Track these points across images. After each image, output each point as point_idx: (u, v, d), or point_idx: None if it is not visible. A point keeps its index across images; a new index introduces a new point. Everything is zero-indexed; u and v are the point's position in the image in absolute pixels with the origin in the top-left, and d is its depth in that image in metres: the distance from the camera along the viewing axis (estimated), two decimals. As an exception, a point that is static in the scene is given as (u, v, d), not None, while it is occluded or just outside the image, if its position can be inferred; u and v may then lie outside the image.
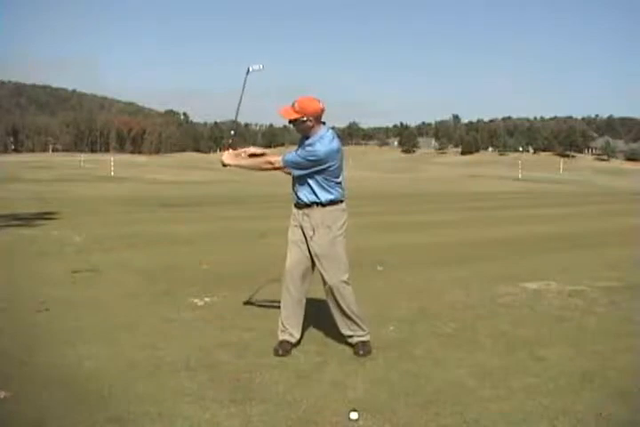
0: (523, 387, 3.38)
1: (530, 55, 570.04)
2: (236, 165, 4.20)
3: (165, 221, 13.13)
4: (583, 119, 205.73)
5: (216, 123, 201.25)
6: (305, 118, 3.81)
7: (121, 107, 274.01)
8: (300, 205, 3.98)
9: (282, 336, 4.00)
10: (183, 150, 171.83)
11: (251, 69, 4.23)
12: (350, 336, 4.01)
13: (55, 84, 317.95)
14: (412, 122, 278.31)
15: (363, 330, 3.99)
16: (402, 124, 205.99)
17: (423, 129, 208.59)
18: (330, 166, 3.85)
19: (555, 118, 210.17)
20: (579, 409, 3.07)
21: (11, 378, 3.39)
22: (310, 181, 3.89)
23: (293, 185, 4.02)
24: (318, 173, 3.85)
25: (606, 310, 5.26)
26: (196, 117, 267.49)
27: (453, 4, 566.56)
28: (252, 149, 4.27)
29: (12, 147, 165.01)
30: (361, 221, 11.27)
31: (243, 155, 4.20)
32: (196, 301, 5.38)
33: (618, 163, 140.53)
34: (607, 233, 11.96)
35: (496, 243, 10.10)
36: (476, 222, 13.98)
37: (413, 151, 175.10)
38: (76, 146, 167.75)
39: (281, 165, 3.95)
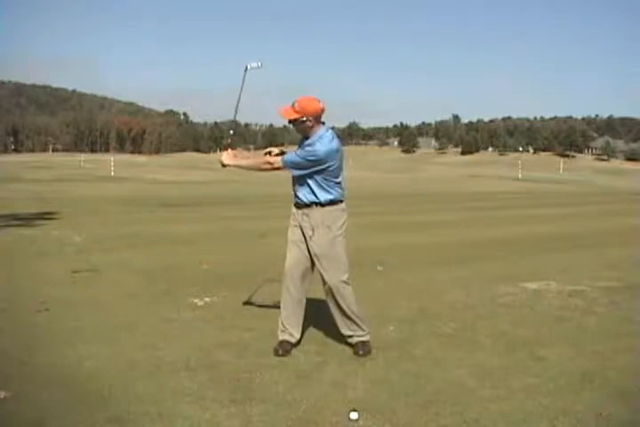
0: (523, 387, 3.38)
1: (530, 55, 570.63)
2: (236, 166, 4.21)
3: (165, 221, 13.13)
4: (583, 119, 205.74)
5: (216, 123, 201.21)
6: (305, 118, 3.81)
7: (121, 107, 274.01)
8: (300, 204, 3.98)
9: (282, 336, 4.00)
10: (183, 150, 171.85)
11: (249, 67, 4.23)
12: (350, 336, 4.01)
13: (55, 84, 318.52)
14: (412, 122, 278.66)
15: (362, 330, 3.99)
16: (402, 124, 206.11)
17: (423, 129, 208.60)
18: (329, 166, 3.85)
19: (555, 118, 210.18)
20: (579, 409, 3.07)
21: (11, 378, 3.39)
22: (310, 181, 3.89)
23: (293, 185, 4.02)
24: (318, 173, 3.85)
25: (606, 310, 5.26)
26: (196, 117, 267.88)
27: (453, 4, 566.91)
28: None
29: (12, 147, 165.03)
30: (361, 221, 11.28)
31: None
32: (195, 301, 5.38)
33: (618, 163, 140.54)
34: (607, 233, 11.96)
35: (496, 243, 10.10)
36: (476, 222, 13.98)
37: (413, 151, 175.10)
38: (75, 146, 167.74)
39: (280, 165, 3.95)
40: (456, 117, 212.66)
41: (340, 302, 3.92)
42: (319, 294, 4.17)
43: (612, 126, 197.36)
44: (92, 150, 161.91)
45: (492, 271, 7.22)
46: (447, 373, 3.60)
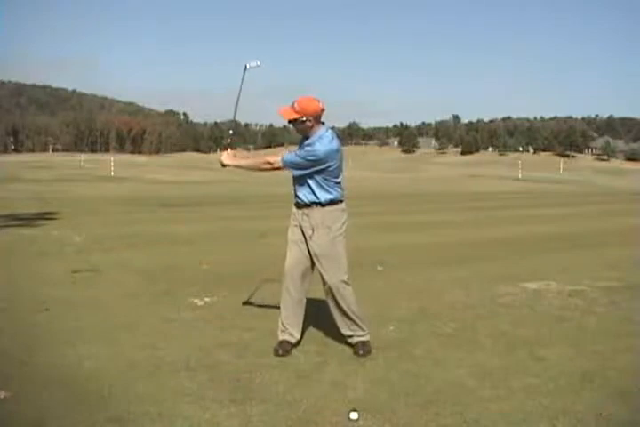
0: (523, 387, 3.38)
1: (530, 55, 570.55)
2: (236, 166, 4.21)
3: (165, 221, 13.13)
4: (583, 119, 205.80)
5: (216, 123, 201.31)
6: (304, 118, 3.81)
7: (121, 107, 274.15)
8: (300, 204, 3.98)
9: (282, 336, 4.00)
10: (183, 150, 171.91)
11: (248, 66, 4.23)
12: (350, 336, 4.01)
13: (55, 84, 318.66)
14: (412, 122, 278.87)
15: (362, 330, 3.99)
16: (402, 124, 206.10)
17: (423, 129, 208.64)
18: (329, 166, 3.85)
19: (555, 118, 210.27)
20: (579, 409, 3.07)
21: (11, 378, 3.39)
22: (310, 181, 3.89)
23: (293, 185, 4.02)
24: (318, 173, 3.85)
25: (606, 310, 5.26)
26: (196, 117, 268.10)
27: (453, 4, 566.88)
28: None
29: (12, 147, 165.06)
30: (361, 221, 11.27)
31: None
32: (195, 301, 5.38)
33: (618, 163, 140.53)
34: (607, 233, 11.96)
35: (496, 243, 10.10)
36: (476, 222, 13.98)
37: (413, 151, 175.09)
38: (76, 146, 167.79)
39: (280, 165, 3.95)
40: (456, 117, 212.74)
41: (340, 302, 3.92)
42: (319, 294, 4.17)
43: (612, 126, 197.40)
44: (92, 150, 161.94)
45: (492, 271, 7.22)
46: (447, 373, 3.60)
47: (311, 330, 4.37)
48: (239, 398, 3.17)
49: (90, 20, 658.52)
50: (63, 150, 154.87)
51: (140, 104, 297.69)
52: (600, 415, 3.00)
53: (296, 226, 4.01)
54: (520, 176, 62.47)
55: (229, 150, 4.21)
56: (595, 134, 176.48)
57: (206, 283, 6.17)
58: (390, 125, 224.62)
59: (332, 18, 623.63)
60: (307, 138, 3.90)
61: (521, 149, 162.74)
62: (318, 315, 4.43)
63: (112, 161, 47.84)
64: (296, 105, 3.82)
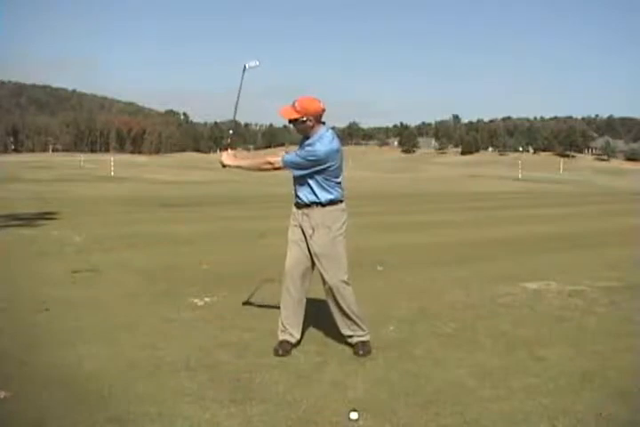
0: (523, 387, 3.38)
1: (530, 55, 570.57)
2: (236, 166, 4.21)
3: (165, 221, 13.13)
4: (583, 119, 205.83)
5: (216, 123, 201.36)
6: (305, 118, 3.81)
7: (121, 107, 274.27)
8: (300, 204, 3.98)
9: (282, 336, 4.00)
10: (183, 150, 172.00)
11: (247, 66, 4.23)
12: (350, 336, 4.01)
13: (55, 84, 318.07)
14: (412, 122, 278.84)
15: (363, 330, 3.99)
16: (402, 124, 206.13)
17: (423, 129, 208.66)
18: (330, 166, 3.85)
19: (555, 118, 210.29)
20: (579, 409, 3.07)
21: (11, 378, 3.39)
22: (310, 181, 3.89)
23: (294, 185, 4.02)
24: (318, 173, 3.85)
25: (606, 310, 5.26)
26: (196, 117, 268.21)
27: (453, 3, 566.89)
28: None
29: (12, 147, 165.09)
30: (361, 221, 11.27)
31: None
32: (195, 301, 5.38)
33: (618, 163, 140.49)
34: (607, 233, 11.95)
35: (496, 243, 10.10)
36: (476, 222, 13.98)
37: (413, 151, 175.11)
38: (75, 146, 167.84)
39: (281, 165, 3.95)
40: (456, 117, 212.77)
41: (341, 301, 3.92)
42: (319, 294, 4.17)
43: (612, 126, 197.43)
44: (92, 150, 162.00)
45: (492, 271, 7.22)
46: (447, 373, 3.60)
47: (311, 330, 4.37)
48: (239, 398, 3.17)
49: (90, 20, 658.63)
50: (63, 150, 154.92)
51: (140, 104, 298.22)
52: (600, 415, 3.00)
53: (296, 226, 4.01)
54: (520, 176, 62.46)
55: (229, 150, 4.21)
56: (595, 134, 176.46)
57: (206, 283, 6.17)
58: (390, 125, 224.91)
59: (332, 18, 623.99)
60: (307, 138, 3.90)
61: (521, 149, 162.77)
62: (318, 315, 4.43)
63: (112, 161, 47.83)
64: (297, 105, 3.82)
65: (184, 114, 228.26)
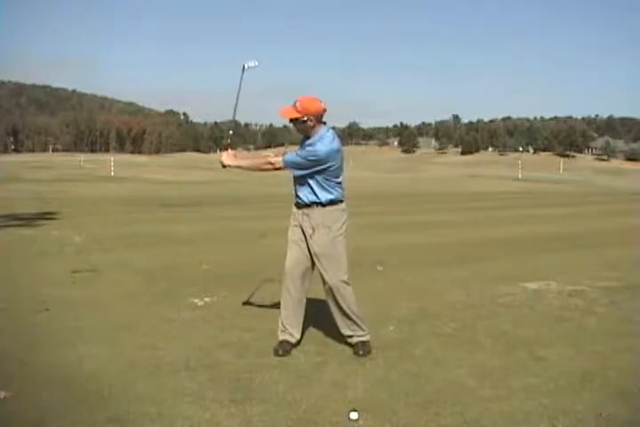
0: (523, 387, 3.38)
1: (530, 55, 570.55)
2: (236, 166, 4.20)
3: (165, 221, 13.13)
4: (583, 119, 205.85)
5: (216, 123, 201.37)
6: (306, 118, 3.81)
7: (121, 107, 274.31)
8: (300, 204, 3.98)
9: (282, 336, 4.00)
10: (183, 150, 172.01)
11: (246, 67, 4.23)
12: (350, 336, 4.01)
13: (55, 84, 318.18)
14: (412, 122, 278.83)
15: (363, 330, 3.99)
16: (402, 124, 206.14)
17: (423, 129, 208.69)
18: (330, 166, 3.85)
19: (555, 118, 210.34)
20: (579, 409, 3.07)
21: (11, 378, 3.39)
22: (310, 181, 3.89)
23: (294, 185, 4.02)
24: (319, 173, 3.85)
25: (606, 310, 5.26)
26: (196, 117, 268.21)
27: (453, 3, 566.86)
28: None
29: (12, 147, 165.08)
30: (361, 221, 11.27)
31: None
32: (195, 301, 5.38)
33: (618, 163, 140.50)
34: (607, 233, 11.95)
35: (496, 243, 10.10)
36: (476, 222, 13.98)
37: (413, 151, 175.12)
38: (75, 146, 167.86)
39: (281, 165, 3.95)
40: (456, 117, 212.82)
41: (341, 301, 3.92)
42: (319, 294, 4.17)
43: (612, 126, 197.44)
44: (92, 150, 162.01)
45: (492, 271, 7.22)
46: (447, 373, 3.60)
47: (311, 330, 4.37)
48: (239, 398, 3.17)
49: (90, 20, 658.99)
50: (63, 150, 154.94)
51: (140, 104, 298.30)
52: (600, 415, 3.00)
53: (296, 226, 4.01)
54: (520, 176, 62.45)
55: (230, 151, 4.21)
56: (595, 134, 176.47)
57: (206, 283, 6.17)
58: (390, 125, 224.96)
59: (332, 18, 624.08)
60: (308, 138, 3.90)
61: (521, 149, 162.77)
62: (318, 315, 4.43)
63: (112, 161, 47.82)
64: (298, 105, 3.81)
65: (184, 114, 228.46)
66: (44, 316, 4.78)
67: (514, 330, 4.58)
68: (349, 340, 4.02)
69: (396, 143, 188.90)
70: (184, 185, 33.63)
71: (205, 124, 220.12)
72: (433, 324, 4.71)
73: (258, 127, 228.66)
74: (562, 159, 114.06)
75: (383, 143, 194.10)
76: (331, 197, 3.92)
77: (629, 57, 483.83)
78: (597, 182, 62.55)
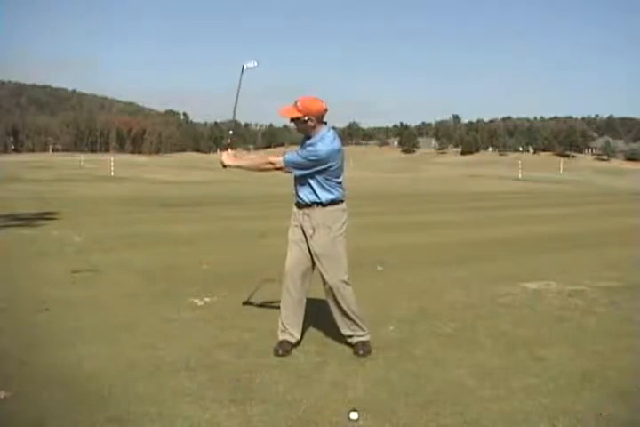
0: (523, 387, 3.38)
1: (530, 55, 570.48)
2: (237, 166, 4.20)
3: (165, 221, 13.13)
4: (583, 119, 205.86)
5: (216, 123, 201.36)
6: (307, 118, 3.81)
7: (121, 107, 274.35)
8: (301, 204, 3.98)
9: (282, 336, 4.00)
10: (183, 150, 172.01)
11: (245, 67, 4.23)
12: (350, 336, 4.01)
13: (55, 84, 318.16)
14: (412, 122, 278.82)
15: (363, 330, 3.99)
16: (402, 124, 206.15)
17: (423, 129, 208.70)
18: (331, 166, 3.85)
19: (555, 118, 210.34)
20: (579, 409, 3.07)
21: (11, 378, 3.39)
22: (311, 181, 3.89)
23: (295, 185, 4.02)
24: (319, 172, 3.85)
25: (606, 310, 5.26)
26: (196, 117, 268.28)
27: (453, 3, 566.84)
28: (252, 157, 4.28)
29: (12, 147, 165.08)
30: (361, 221, 11.27)
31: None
32: (195, 301, 5.38)
33: (618, 163, 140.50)
34: (607, 233, 11.95)
35: (496, 243, 10.10)
36: (476, 222, 13.98)
37: (413, 151, 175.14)
38: (75, 146, 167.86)
39: (282, 165, 3.94)
40: (456, 117, 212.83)
41: (341, 301, 3.92)
42: (319, 294, 4.17)
43: (612, 126, 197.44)
44: (92, 150, 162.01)
45: (492, 271, 7.22)
46: (447, 373, 3.60)
47: (311, 330, 4.37)
48: (239, 398, 3.17)
49: (90, 20, 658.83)
50: (63, 150, 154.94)
51: (140, 104, 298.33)
52: (600, 415, 3.00)
53: (297, 226, 4.01)
54: (520, 176, 62.45)
55: (230, 151, 4.21)
56: (595, 134, 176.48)
57: (206, 283, 6.17)
58: (390, 125, 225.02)
59: (332, 18, 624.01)
60: (308, 138, 3.90)
61: (521, 149, 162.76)
62: (318, 315, 4.43)
63: (112, 161, 47.82)
64: (299, 104, 3.81)
65: (184, 114, 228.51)
66: (44, 316, 4.78)
67: (514, 330, 4.58)
68: (349, 340, 4.02)
69: (395, 143, 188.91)
70: (184, 185, 33.63)
71: (205, 124, 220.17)
72: (433, 324, 4.71)
73: (258, 127, 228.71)
74: (562, 159, 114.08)
75: (383, 143, 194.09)
76: (331, 197, 3.92)
77: (629, 57, 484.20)
78: (597, 182, 62.55)
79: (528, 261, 8.15)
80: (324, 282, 3.94)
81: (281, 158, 3.96)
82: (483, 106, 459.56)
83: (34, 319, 4.68)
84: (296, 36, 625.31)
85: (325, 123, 3.91)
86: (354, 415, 2.93)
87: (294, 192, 4.04)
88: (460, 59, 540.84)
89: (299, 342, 4.05)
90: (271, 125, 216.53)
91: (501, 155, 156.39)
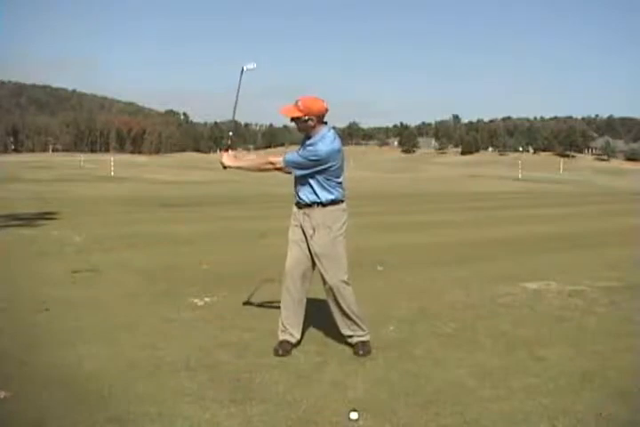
0: (523, 387, 3.38)
1: (530, 55, 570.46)
2: (237, 167, 4.20)
3: (165, 221, 13.13)
4: (583, 119, 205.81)
5: (216, 123, 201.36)
6: (307, 118, 3.81)
7: (121, 107, 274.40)
8: (301, 204, 3.98)
9: (282, 336, 4.00)
10: (183, 150, 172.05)
11: (245, 69, 4.23)
12: (350, 336, 4.01)
13: (55, 84, 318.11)
14: (412, 122, 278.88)
15: (363, 330, 3.99)
16: (402, 124, 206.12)
17: (423, 129, 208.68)
18: (331, 166, 3.85)
19: (555, 118, 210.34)
20: (579, 409, 3.07)
21: (11, 378, 3.39)
22: (311, 181, 3.89)
23: (295, 185, 4.02)
24: (319, 172, 3.85)
25: (606, 310, 5.26)
26: (196, 117, 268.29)
27: (453, 3, 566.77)
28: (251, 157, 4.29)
29: (12, 147, 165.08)
30: (361, 221, 11.27)
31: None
32: (195, 301, 5.38)
33: (618, 163, 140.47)
34: (607, 233, 11.95)
35: (496, 243, 10.10)
36: (476, 222, 13.98)
37: (413, 151, 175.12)
38: (75, 146, 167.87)
39: (282, 165, 3.95)
40: (456, 117, 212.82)
41: (341, 301, 3.92)
42: (319, 294, 4.17)
43: (612, 126, 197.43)
44: (92, 150, 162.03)
45: (492, 271, 7.22)
46: (447, 373, 3.60)
47: (311, 330, 4.37)
48: (239, 398, 3.17)
49: (90, 20, 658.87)
50: (63, 150, 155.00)
51: (140, 104, 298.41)
52: (600, 415, 3.00)
53: (297, 226, 4.01)
54: (520, 176, 62.44)
55: (230, 151, 4.21)
56: (595, 134, 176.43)
57: (206, 283, 6.17)
58: (390, 125, 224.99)
59: (332, 18, 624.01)
60: (309, 138, 3.90)
61: (521, 149, 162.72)
62: (318, 315, 4.43)
63: (112, 161, 47.81)
64: (300, 104, 3.81)
65: (184, 114, 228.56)
66: (44, 316, 4.78)
67: (514, 330, 4.58)
68: (349, 340, 4.02)
69: (395, 143, 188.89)
70: (184, 185, 33.63)
71: (205, 124, 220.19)
72: (433, 324, 4.71)
73: (258, 127, 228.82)
74: (562, 159, 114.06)
75: (383, 143, 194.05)
76: (331, 197, 3.92)
77: (629, 57, 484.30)
78: (597, 182, 62.55)
79: (528, 261, 8.15)
80: (324, 282, 3.94)
81: (281, 158, 3.96)
82: (483, 106, 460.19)
83: (34, 319, 4.68)
84: (296, 36, 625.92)
85: (326, 123, 3.92)
86: (354, 415, 2.93)
87: (294, 192, 4.04)
88: (460, 59, 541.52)
89: (299, 342, 4.05)
90: (271, 125, 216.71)
91: (501, 155, 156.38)
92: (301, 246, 3.97)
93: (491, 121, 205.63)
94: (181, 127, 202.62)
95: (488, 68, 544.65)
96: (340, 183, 3.98)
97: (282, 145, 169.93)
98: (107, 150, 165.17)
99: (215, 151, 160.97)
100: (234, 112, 4.32)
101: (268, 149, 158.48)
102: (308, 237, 3.93)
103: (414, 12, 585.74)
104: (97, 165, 61.03)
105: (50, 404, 3.04)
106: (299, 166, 3.86)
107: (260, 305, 5.12)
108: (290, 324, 3.99)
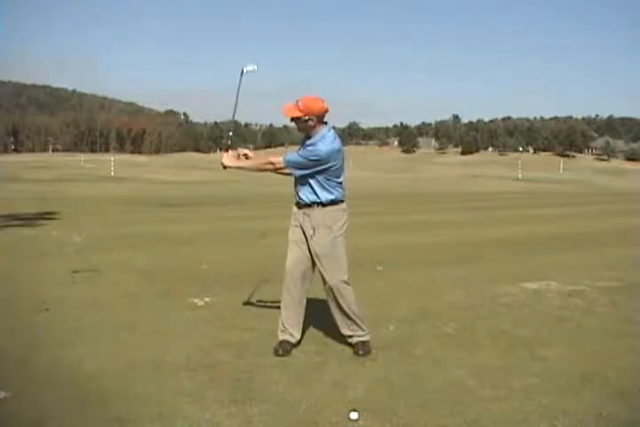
0: (523, 387, 3.37)
1: (530, 55, 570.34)
2: (237, 167, 4.20)
3: (165, 221, 13.13)
4: (583, 119, 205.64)
5: (216, 123, 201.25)
6: (307, 117, 3.81)
7: (121, 107, 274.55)
8: (301, 204, 3.98)
9: (282, 336, 4.00)
10: (183, 150, 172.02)
11: (245, 71, 4.23)
12: (350, 336, 4.01)
13: (55, 84, 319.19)
14: (412, 122, 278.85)
15: (363, 330, 3.99)
16: (402, 124, 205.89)
17: (423, 129, 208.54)
18: (331, 166, 3.85)
19: (555, 118, 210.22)
20: (579, 409, 3.07)
21: (11, 378, 3.39)
22: (311, 181, 3.89)
23: (295, 185, 4.02)
24: (320, 172, 3.85)
25: (606, 310, 5.26)
26: (196, 117, 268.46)
27: (453, 4, 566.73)
28: (250, 154, 4.27)
29: (12, 147, 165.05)
30: (361, 221, 11.27)
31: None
32: (196, 301, 5.38)
33: (618, 163, 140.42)
34: (607, 233, 11.95)
35: (496, 243, 10.10)
36: (476, 222, 13.98)
37: (413, 151, 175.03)
38: (75, 146, 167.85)
39: (282, 165, 3.94)
40: (456, 117, 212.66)
41: (341, 301, 3.92)
42: (319, 294, 4.17)
43: (612, 126, 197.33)
44: (92, 150, 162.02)
45: (492, 271, 7.22)
46: (447, 373, 3.60)
47: (311, 330, 4.37)
48: (239, 398, 3.17)
49: (90, 20, 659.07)
50: (63, 150, 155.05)
51: (139, 104, 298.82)
52: (600, 415, 3.00)
53: (297, 226, 4.01)
54: (520, 176, 62.47)
55: (230, 152, 4.21)
56: (595, 134, 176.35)
57: (206, 283, 6.17)
58: (390, 125, 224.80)
59: (332, 18, 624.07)
60: (309, 138, 3.90)
61: (521, 149, 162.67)
62: (318, 315, 4.43)
63: (112, 161, 47.84)
64: (300, 104, 3.81)
65: (184, 114, 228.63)
66: (44, 316, 4.78)
67: (514, 330, 4.58)
68: (349, 340, 4.02)
69: (396, 143, 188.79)
70: (184, 185, 33.64)
71: (205, 124, 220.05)
72: (433, 324, 4.71)
73: (258, 127, 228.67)
74: (562, 159, 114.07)
75: (383, 143, 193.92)
76: (331, 197, 3.91)
77: (629, 57, 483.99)
78: (597, 182, 62.57)
79: (528, 261, 8.15)
80: (325, 282, 3.94)
81: (281, 158, 3.96)
82: (483, 106, 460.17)
83: (34, 319, 4.68)
84: (296, 37, 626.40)
85: (326, 123, 3.92)
86: (354, 415, 2.93)
87: (294, 192, 4.04)
88: (460, 59, 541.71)
89: (299, 342, 4.05)
90: (271, 126, 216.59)
91: (501, 155, 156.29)
92: (301, 246, 3.97)
93: (491, 121, 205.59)
94: (181, 127, 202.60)
95: (488, 67, 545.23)
96: (341, 183, 3.97)
97: (282, 145, 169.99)
98: (107, 150, 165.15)
99: (215, 151, 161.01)
100: (233, 113, 4.32)
101: (268, 149, 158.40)
102: (308, 238, 3.93)
103: (414, 12, 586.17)
104: (97, 165, 61.07)
105: (50, 404, 3.04)
106: (299, 166, 3.86)
107: (260, 305, 5.12)
108: (290, 324, 3.99)
